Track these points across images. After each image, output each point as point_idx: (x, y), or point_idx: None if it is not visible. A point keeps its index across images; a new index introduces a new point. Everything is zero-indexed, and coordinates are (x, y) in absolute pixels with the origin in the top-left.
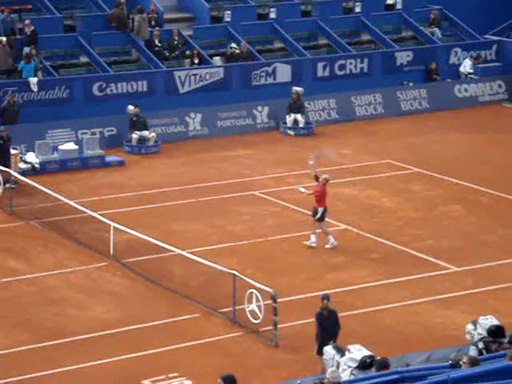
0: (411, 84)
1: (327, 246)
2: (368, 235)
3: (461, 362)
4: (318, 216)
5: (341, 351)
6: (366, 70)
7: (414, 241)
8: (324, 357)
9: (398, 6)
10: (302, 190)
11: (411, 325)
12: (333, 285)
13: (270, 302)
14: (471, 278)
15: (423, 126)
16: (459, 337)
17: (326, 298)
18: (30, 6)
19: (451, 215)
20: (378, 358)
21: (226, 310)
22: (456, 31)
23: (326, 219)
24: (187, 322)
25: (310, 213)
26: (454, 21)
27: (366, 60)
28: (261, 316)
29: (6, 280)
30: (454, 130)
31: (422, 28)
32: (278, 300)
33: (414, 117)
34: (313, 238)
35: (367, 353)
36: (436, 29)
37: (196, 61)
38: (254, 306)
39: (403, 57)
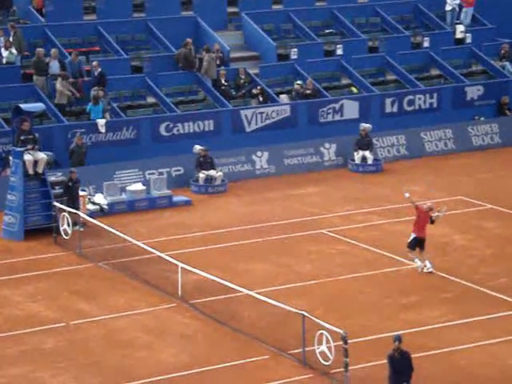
0: (482, 119)
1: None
2: (440, 274)
3: None
4: (408, 241)
5: None
6: (435, 105)
7: (488, 279)
8: None
9: (468, 40)
10: (407, 195)
11: (487, 366)
12: (405, 325)
13: (340, 343)
14: None
15: (495, 161)
16: None
17: (398, 339)
18: (97, 48)
19: None
20: None
21: (295, 351)
22: None
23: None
24: (256, 363)
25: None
26: None
27: (435, 95)
28: (331, 357)
29: (75, 322)
30: None
31: (492, 62)
32: (349, 341)
33: (485, 152)
34: (419, 262)
35: None
36: (507, 62)
37: (261, 99)
38: (324, 348)
39: (474, 91)
